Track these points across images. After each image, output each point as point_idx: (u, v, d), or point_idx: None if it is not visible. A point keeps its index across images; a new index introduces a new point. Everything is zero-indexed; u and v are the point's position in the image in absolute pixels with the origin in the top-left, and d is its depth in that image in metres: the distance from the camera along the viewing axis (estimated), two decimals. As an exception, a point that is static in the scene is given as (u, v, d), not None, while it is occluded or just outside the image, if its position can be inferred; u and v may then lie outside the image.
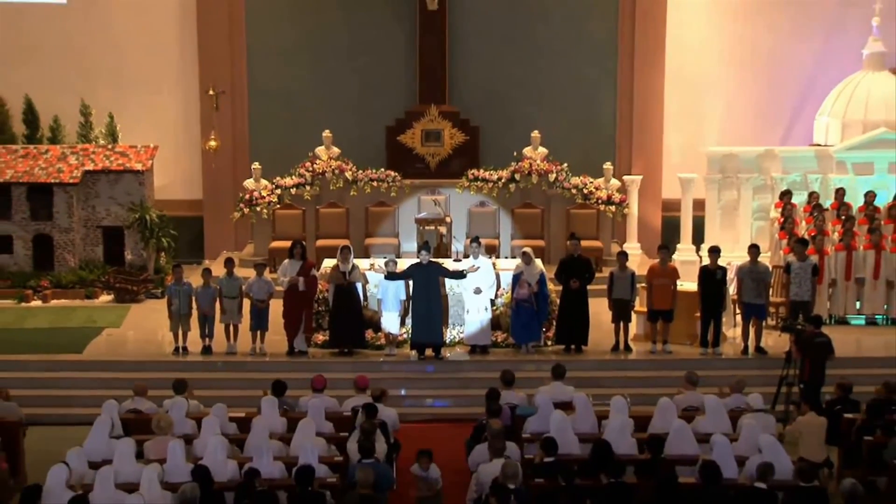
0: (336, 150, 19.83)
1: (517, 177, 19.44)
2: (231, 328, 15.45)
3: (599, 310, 15.72)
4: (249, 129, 21.11)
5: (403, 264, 15.51)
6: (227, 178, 20.72)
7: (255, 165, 19.80)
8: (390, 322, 15.38)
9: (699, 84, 21.23)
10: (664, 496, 9.99)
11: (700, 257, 18.58)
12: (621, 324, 15.50)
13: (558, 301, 15.60)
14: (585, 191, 19.37)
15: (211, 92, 19.94)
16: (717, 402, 11.88)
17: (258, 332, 15.43)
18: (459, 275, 15.22)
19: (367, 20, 20.85)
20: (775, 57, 21.19)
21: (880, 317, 17.12)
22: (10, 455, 11.67)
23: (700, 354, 15.34)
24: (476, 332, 15.38)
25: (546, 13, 20.85)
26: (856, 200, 18.26)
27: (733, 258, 17.13)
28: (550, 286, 15.64)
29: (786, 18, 21.14)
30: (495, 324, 15.68)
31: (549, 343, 15.64)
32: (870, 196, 18.04)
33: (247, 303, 15.40)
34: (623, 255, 15.71)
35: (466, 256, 16.01)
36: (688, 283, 15.83)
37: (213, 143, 19.84)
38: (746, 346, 15.45)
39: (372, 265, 15.84)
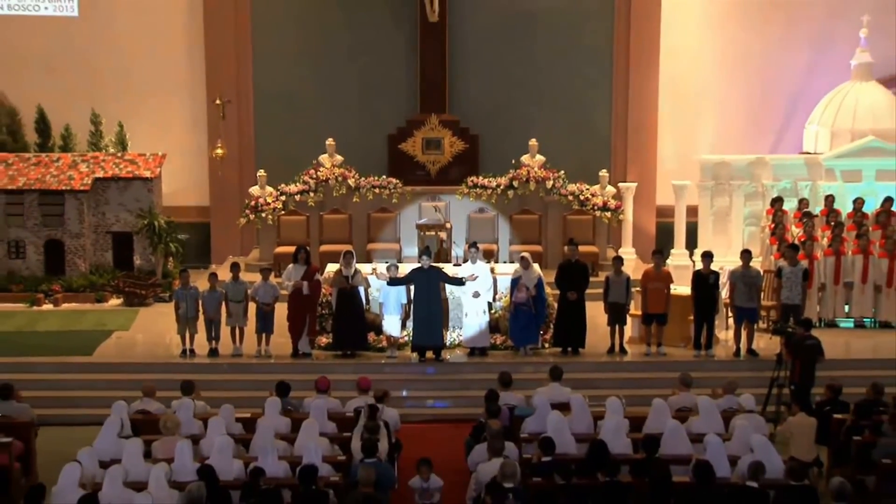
0: (339, 158, 19.83)
1: (515, 184, 19.45)
2: (237, 331, 15.44)
3: (595, 313, 15.70)
4: (255, 138, 21.12)
5: (405, 269, 15.51)
6: (234, 185, 20.73)
7: (261, 173, 19.80)
8: (392, 325, 15.38)
9: (692, 94, 21.26)
10: (659, 495, 9.97)
11: (693, 262, 18.57)
12: (617, 327, 15.50)
13: (556, 305, 15.59)
14: (582, 197, 19.38)
15: (218, 101, 19.99)
16: (710, 402, 11.86)
17: (263, 335, 15.42)
18: (459, 282, 15.22)
19: (370, 31, 20.87)
20: (766, 67, 21.22)
21: (868, 320, 17.13)
22: (22, 455, 11.65)
23: (693, 357, 15.33)
24: (474, 335, 15.37)
25: (543, 25, 20.86)
26: (844, 207, 18.27)
27: (726, 263, 17.14)
28: (548, 290, 15.63)
29: (777, 31, 21.17)
30: (494, 327, 15.68)
31: (547, 345, 15.63)
32: (858, 203, 18.06)
33: (252, 306, 15.38)
34: (618, 260, 15.71)
35: (466, 261, 16.00)
36: (681, 288, 15.82)
37: (219, 151, 19.86)
38: (738, 349, 15.44)
39: (374, 269, 15.83)
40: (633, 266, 18.64)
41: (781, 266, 15.64)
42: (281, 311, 15.44)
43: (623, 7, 20.69)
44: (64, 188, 18.98)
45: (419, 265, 15.24)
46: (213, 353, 15.43)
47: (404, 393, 14.72)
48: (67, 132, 20.82)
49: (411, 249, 18.58)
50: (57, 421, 13.55)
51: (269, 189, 19.55)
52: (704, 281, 15.22)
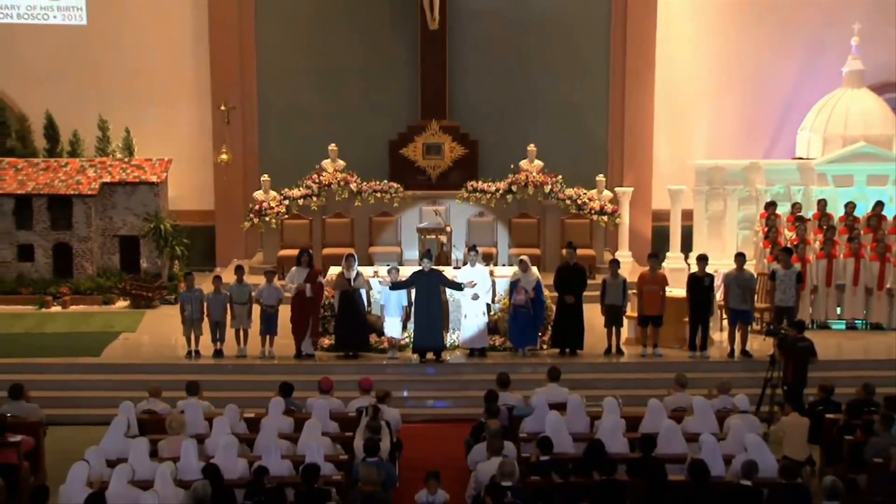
0: (341, 163, 19.83)
1: (514, 188, 19.45)
2: (241, 332, 15.43)
3: (592, 315, 15.69)
4: (259, 143, 21.12)
5: (405, 272, 15.51)
6: (238, 190, 20.72)
7: (265, 177, 19.80)
8: (393, 327, 15.38)
9: (687, 100, 21.26)
10: (655, 493, 9.97)
11: (688, 265, 18.55)
12: (613, 328, 15.49)
13: (554, 307, 15.59)
14: (579, 202, 19.38)
15: (223, 107, 19.98)
16: (705, 403, 11.86)
17: (267, 337, 15.41)
18: (457, 286, 15.21)
19: (372, 39, 20.87)
20: (760, 75, 21.23)
21: (860, 321, 17.13)
22: (32, 454, 11.65)
23: (688, 358, 15.32)
24: (473, 336, 15.36)
25: (541, 34, 20.86)
26: (836, 211, 18.26)
27: (720, 266, 17.09)
28: (546, 292, 15.63)
29: (770, 38, 21.17)
30: (493, 328, 15.67)
31: (545, 347, 15.62)
32: (850, 207, 18.05)
33: (256, 308, 15.38)
34: (615, 263, 15.69)
35: (465, 264, 16.00)
36: (677, 290, 15.82)
37: (224, 157, 19.85)
38: (733, 350, 15.43)
39: (375, 272, 15.83)
40: (630, 269, 18.62)
41: (775, 269, 15.63)
42: (284, 313, 15.43)
43: (619, 16, 20.70)
44: (72, 193, 18.98)
45: (420, 268, 15.24)
46: (218, 354, 15.42)
47: (405, 393, 14.70)
48: (75, 138, 20.81)
49: (412, 252, 18.57)
50: (65, 420, 13.55)
51: (272, 193, 19.55)
52: (699, 283, 15.22)
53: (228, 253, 20.62)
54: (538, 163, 19.74)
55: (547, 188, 19.39)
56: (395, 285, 15.05)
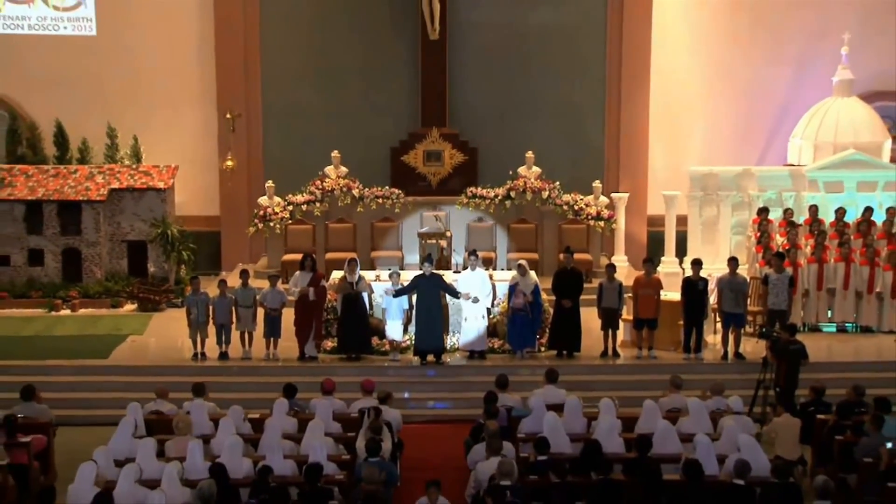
0: (344, 170, 19.84)
1: (513, 194, 19.45)
2: (246, 335, 15.43)
3: (589, 318, 15.69)
4: (263, 150, 21.12)
5: (406, 276, 15.51)
6: (243, 196, 20.75)
7: (269, 184, 19.81)
8: (394, 329, 15.37)
9: (682, 109, 21.27)
10: (650, 492, 9.97)
11: (683, 269, 18.54)
12: (610, 331, 15.49)
13: (551, 310, 15.59)
14: (576, 207, 19.38)
15: (228, 115, 20.02)
16: (700, 404, 11.86)
17: (271, 339, 15.41)
18: (455, 294, 15.21)
19: (373, 49, 20.89)
20: (753, 84, 21.24)
21: (850, 324, 17.12)
22: (42, 454, 11.65)
23: (683, 360, 15.32)
24: (473, 339, 15.36)
25: (539, 44, 20.87)
26: (827, 216, 18.24)
27: (714, 270, 17.13)
28: (544, 296, 15.63)
29: (762, 49, 21.18)
30: (493, 331, 15.66)
31: (543, 349, 15.62)
32: (840, 212, 18.05)
33: (261, 311, 15.38)
34: (611, 268, 15.71)
35: (466, 268, 16.01)
36: (671, 294, 15.81)
37: (229, 163, 19.87)
38: (726, 352, 15.42)
39: (377, 276, 15.81)
40: (626, 273, 18.60)
41: (768, 273, 15.65)
42: (288, 316, 15.44)
43: (615, 26, 20.72)
44: (81, 199, 18.99)
45: (421, 272, 15.24)
46: (224, 356, 15.42)
47: (406, 394, 14.70)
48: (84, 145, 20.81)
49: (413, 257, 18.58)
50: (74, 421, 13.55)
51: (276, 199, 19.56)
52: (693, 287, 15.22)
53: (234, 257, 20.63)
54: (536, 169, 19.74)
55: (545, 194, 19.39)
56: (398, 292, 15.05)
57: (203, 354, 15.44)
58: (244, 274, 15.64)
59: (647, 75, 20.75)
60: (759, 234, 17.74)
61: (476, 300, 15.24)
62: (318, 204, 19.50)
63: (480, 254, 16.32)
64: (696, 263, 15.49)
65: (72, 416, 13.65)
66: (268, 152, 21.10)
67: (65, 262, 19.05)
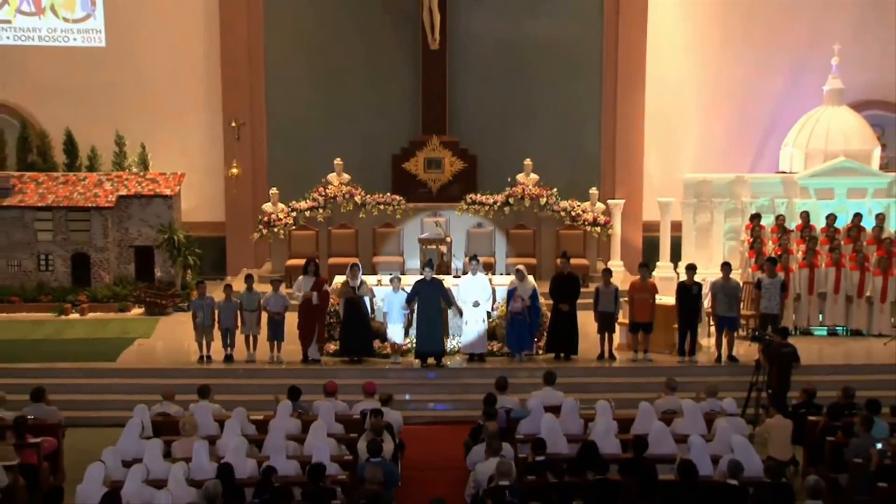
0: (346, 177, 19.85)
1: (511, 201, 19.46)
2: (250, 338, 15.44)
3: (586, 322, 15.70)
4: (268, 158, 21.14)
5: (407, 280, 15.52)
6: (248, 202, 20.76)
7: (273, 190, 19.82)
8: (395, 333, 15.38)
9: (676, 117, 21.30)
10: (645, 492, 9.96)
11: (677, 274, 18.54)
12: (606, 334, 15.48)
13: (549, 314, 15.59)
14: (573, 213, 19.39)
15: (233, 124, 20.07)
16: (694, 405, 11.85)
17: (275, 342, 15.42)
18: (450, 303, 15.22)
19: (375, 59, 20.92)
20: (745, 93, 21.28)
21: (840, 328, 17.12)
22: (52, 455, 11.64)
23: (678, 362, 15.33)
24: (473, 342, 15.36)
25: (538, 54, 20.90)
26: (818, 222, 18.26)
27: (707, 275, 17.10)
28: (542, 300, 15.63)
29: (755, 59, 21.22)
30: (491, 334, 15.66)
31: (541, 352, 15.62)
32: (831, 218, 18.05)
33: (265, 315, 15.38)
34: (607, 272, 15.71)
35: (466, 273, 16.00)
36: (666, 298, 15.81)
37: (234, 170, 19.89)
38: (720, 355, 15.42)
39: (379, 280, 15.80)
40: (621, 278, 18.63)
41: (761, 278, 15.65)
42: (291, 320, 15.44)
43: (611, 37, 20.75)
44: (90, 205, 19.00)
45: (422, 277, 15.25)
46: (229, 359, 15.42)
47: (407, 396, 14.69)
48: (93, 153, 20.85)
49: (414, 262, 18.58)
50: (83, 423, 13.57)
51: (280, 206, 19.56)
52: (688, 291, 15.23)
53: (238, 262, 20.64)
54: (534, 176, 19.75)
55: (542, 200, 19.40)
56: (409, 299, 15.02)
57: (208, 357, 15.44)
58: (249, 279, 15.65)
59: (643, 84, 20.79)
60: (751, 240, 17.76)
61: (477, 304, 15.24)
62: (320, 210, 19.51)
63: (480, 259, 16.29)
64: (691, 268, 15.50)
65: (80, 418, 13.66)
66: (272, 160, 21.12)
67: (74, 267, 19.06)
